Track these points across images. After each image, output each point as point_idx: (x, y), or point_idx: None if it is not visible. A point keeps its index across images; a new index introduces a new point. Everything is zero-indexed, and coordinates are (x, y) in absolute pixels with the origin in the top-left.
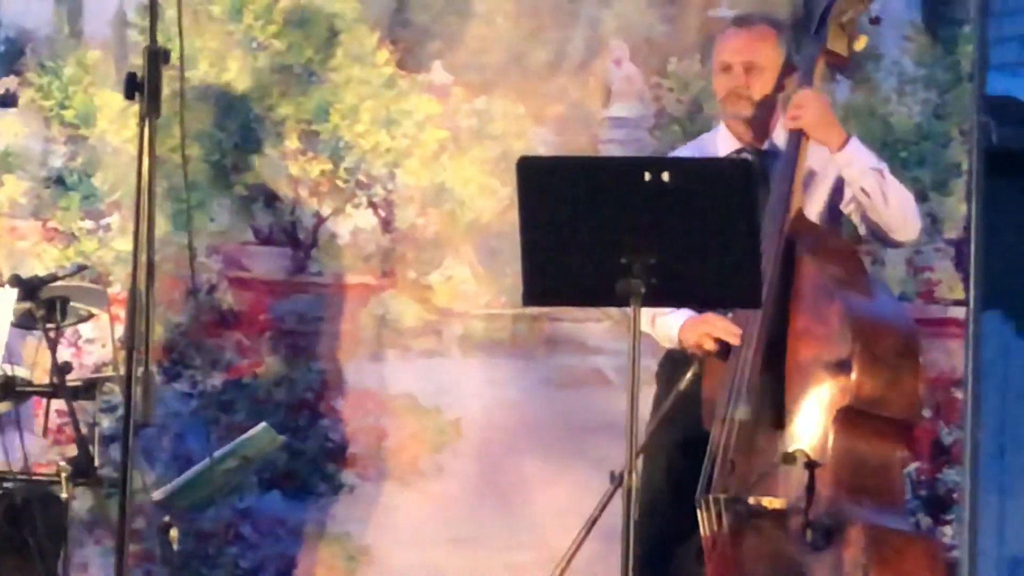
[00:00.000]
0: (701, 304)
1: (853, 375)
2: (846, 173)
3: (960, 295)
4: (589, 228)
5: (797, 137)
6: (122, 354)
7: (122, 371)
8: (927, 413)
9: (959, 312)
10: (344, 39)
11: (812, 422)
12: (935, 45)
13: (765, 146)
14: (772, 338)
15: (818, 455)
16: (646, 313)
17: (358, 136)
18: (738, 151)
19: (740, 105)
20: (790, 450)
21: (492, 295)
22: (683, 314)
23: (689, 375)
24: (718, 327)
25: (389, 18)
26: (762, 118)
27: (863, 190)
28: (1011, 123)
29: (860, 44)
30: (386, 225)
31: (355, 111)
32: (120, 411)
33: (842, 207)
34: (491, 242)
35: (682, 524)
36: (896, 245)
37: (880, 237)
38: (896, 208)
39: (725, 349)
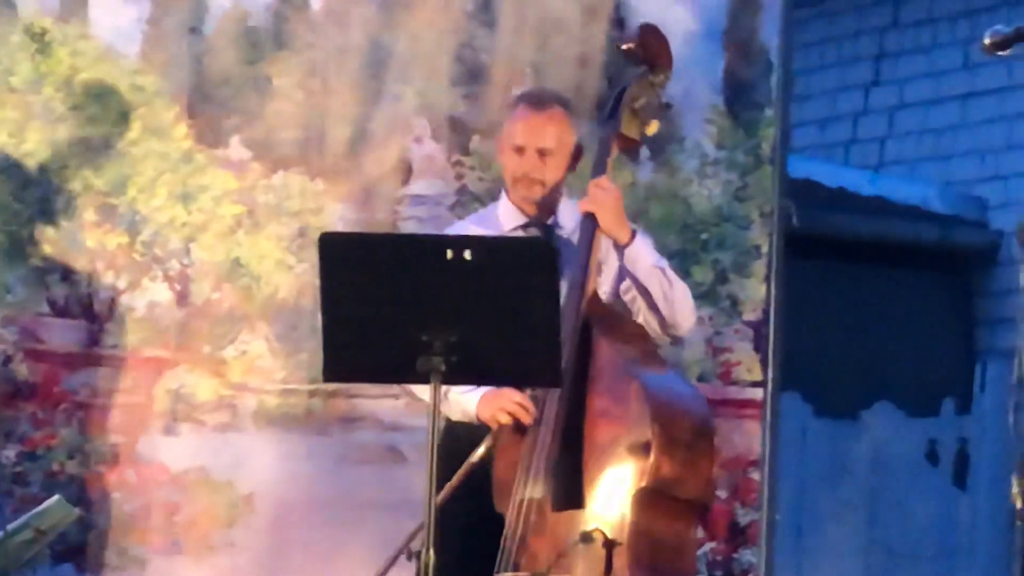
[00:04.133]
0: (501, 382)
1: (651, 456)
2: (632, 269)
3: (758, 376)
4: (390, 305)
5: (591, 224)
6: None
7: None
8: (723, 494)
9: (757, 393)
10: (143, 112)
11: (610, 502)
12: (736, 128)
13: (550, 221)
14: (569, 418)
15: (616, 534)
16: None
17: (155, 210)
18: (523, 226)
19: (533, 190)
20: (588, 529)
21: (288, 370)
22: (480, 390)
23: (483, 449)
24: (511, 403)
25: (188, 92)
26: (550, 196)
27: (647, 290)
28: (811, 206)
29: (652, 128)
30: (181, 299)
31: (153, 184)
32: None
33: (622, 294)
34: (287, 317)
35: None
36: (672, 336)
37: (656, 328)
38: (677, 304)
39: (520, 426)
